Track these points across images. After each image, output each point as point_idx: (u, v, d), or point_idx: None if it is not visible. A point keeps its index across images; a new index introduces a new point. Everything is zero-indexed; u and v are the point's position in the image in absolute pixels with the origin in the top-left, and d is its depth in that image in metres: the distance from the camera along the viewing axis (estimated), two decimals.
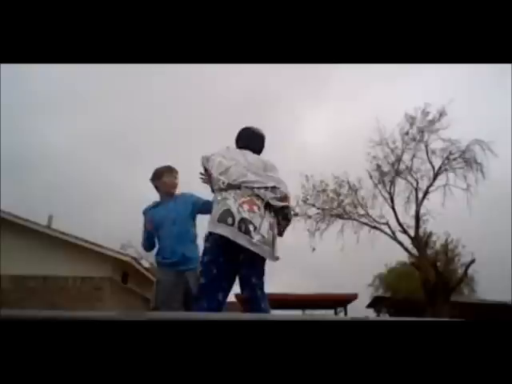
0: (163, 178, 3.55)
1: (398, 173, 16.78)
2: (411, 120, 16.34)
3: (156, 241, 3.49)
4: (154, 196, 3.62)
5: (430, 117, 16.20)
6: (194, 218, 3.49)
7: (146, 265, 20.70)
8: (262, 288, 2.71)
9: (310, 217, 16.87)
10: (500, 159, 15.44)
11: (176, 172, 3.62)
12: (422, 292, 15.85)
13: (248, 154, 2.98)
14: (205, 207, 3.26)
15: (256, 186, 2.78)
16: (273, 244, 2.70)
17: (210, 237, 2.72)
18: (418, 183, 16.71)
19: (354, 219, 16.81)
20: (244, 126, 3.15)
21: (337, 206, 16.81)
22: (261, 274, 2.74)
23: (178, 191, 3.61)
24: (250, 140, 3.08)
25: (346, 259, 19.09)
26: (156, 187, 3.61)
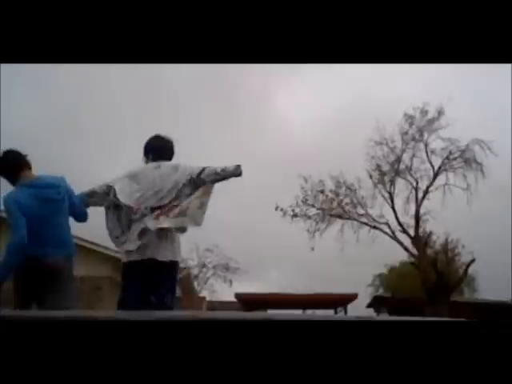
0: None
1: (397, 172, 16.76)
2: (410, 120, 16.34)
3: None
4: None
5: (428, 116, 16.20)
6: None
7: None
8: None
9: (309, 217, 16.86)
10: (500, 159, 15.43)
11: None
12: (422, 292, 15.84)
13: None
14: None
15: None
16: None
17: None
18: (417, 183, 16.70)
19: (354, 219, 16.79)
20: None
21: (336, 205, 16.80)
22: None
23: None
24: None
25: (346, 259, 19.08)
26: None
